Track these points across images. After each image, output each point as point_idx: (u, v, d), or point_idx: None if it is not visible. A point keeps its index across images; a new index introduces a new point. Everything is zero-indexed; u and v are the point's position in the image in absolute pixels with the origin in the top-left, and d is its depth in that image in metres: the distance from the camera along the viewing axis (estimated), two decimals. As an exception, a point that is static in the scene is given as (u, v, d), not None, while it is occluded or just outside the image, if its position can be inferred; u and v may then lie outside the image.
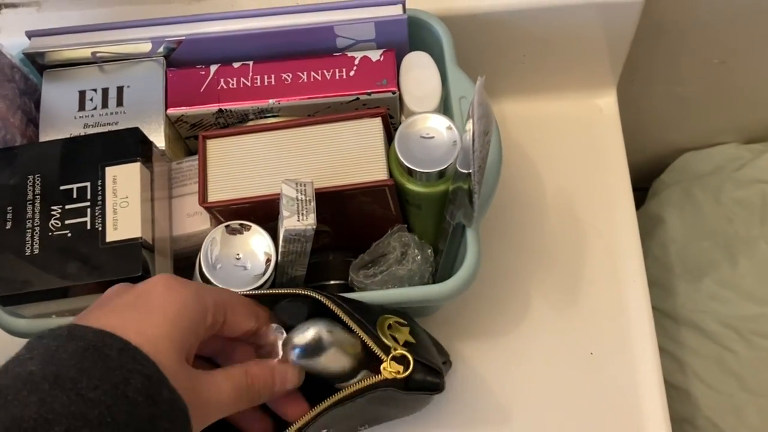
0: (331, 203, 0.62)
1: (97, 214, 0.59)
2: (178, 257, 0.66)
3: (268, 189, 0.62)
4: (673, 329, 1.03)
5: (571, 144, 0.84)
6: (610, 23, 0.78)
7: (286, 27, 0.67)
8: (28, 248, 0.59)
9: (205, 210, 0.64)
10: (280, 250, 0.61)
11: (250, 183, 0.63)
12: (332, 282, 0.69)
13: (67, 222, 0.59)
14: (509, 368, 0.75)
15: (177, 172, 0.67)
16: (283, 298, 0.58)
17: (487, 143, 0.55)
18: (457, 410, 0.73)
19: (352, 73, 0.66)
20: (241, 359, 0.55)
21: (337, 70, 0.66)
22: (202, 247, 0.62)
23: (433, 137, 0.61)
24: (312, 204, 0.59)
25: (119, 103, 0.67)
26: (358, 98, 0.66)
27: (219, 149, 0.64)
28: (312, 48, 0.67)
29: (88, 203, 0.60)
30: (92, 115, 0.67)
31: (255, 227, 0.63)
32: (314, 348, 0.55)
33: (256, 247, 0.62)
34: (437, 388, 0.59)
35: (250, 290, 0.59)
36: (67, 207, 0.60)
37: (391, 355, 0.56)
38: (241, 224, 0.63)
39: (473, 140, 0.53)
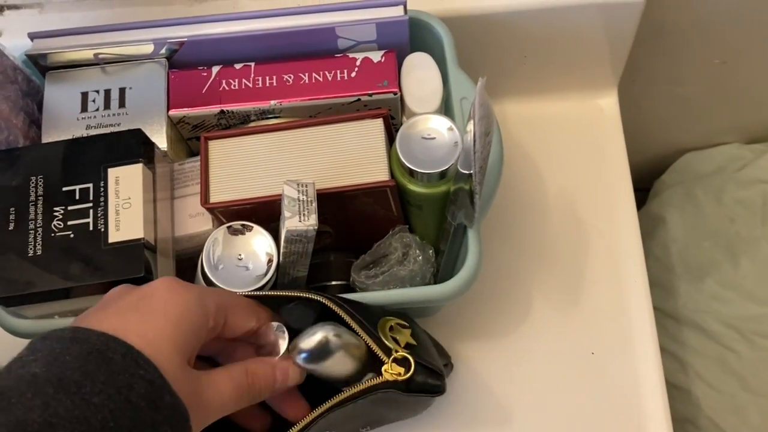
0: (333, 204, 0.62)
1: (99, 215, 0.60)
2: (180, 258, 0.66)
3: (269, 190, 0.62)
4: (674, 329, 1.03)
5: (573, 144, 0.84)
6: (611, 23, 0.78)
7: (288, 28, 0.67)
8: (30, 249, 0.59)
9: (207, 211, 0.64)
10: (281, 250, 0.61)
11: (251, 184, 0.63)
12: (334, 283, 0.69)
13: (69, 223, 0.60)
14: (510, 368, 0.75)
15: (179, 173, 0.67)
16: (286, 300, 0.58)
17: (488, 144, 0.55)
18: (458, 410, 0.73)
19: (353, 74, 0.66)
20: (242, 358, 0.55)
21: (338, 72, 0.67)
22: (204, 247, 0.62)
23: (434, 138, 0.61)
24: (314, 205, 0.59)
25: (121, 104, 0.67)
26: (359, 99, 0.66)
27: (221, 150, 0.64)
28: (313, 49, 0.67)
29: (90, 204, 0.60)
30: (94, 117, 0.67)
31: (257, 228, 0.63)
32: (321, 352, 0.55)
33: (258, 247, 0.62)
34: (438, 390, 0.59)
35: (252, 291, 0.59)
36: (69, 208, 0.60)
37: (392, 357, 0.56)
38: (243, 225, 0.63)
39: (474, 141, 0.53)
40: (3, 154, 0.63)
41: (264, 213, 0.62)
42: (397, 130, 0.62)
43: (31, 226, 0.60)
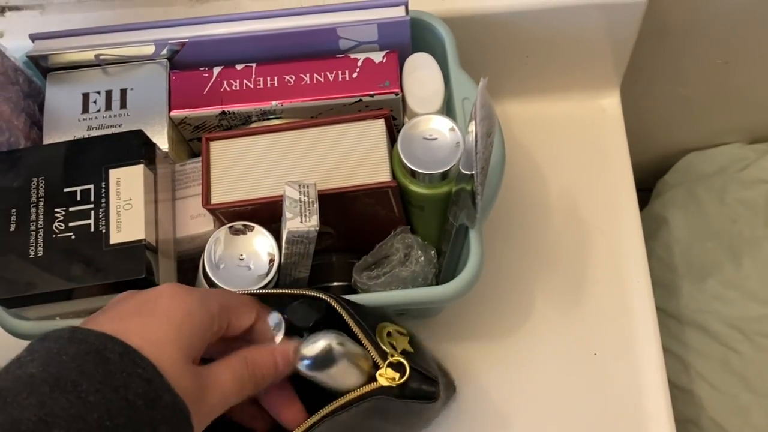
0: (334, 205, 0.62)
1: (100, 216, 0.60)
2: (181, 259, 0.66)
3: (271, 191, 0.62)
4: (677, 330, 1.03)
5: (575, 145, 0.84)
6: (614, 24, 0.78)
7: (289, 29, 0.67)
8: (32, 250, 0.59)
9: (208, 212, 0.64)
10: (283, 251, 0.61)
11: (253, 185, 0.63)
12: (335, 284, 0.69)
13: (70, 224, 0.60)
14: (512, 369, 0.75)
15: (180, 174, 0.67)
16: (290, 298, 0.58)
17: (489, 144, 0.55)
18: (460, 411, 0.73)
19: (354, 74, 0.66)
20: None
21: (339, 72, 0.66)
22: (206, 247, 0.62)
23: (436, 139, 0.61)
24: (315, 206, 0.59)
25: (123, 105, 0.67)
26: (360, 100, 0.66)
27: (222, 151, 0.64)
28: (315, 50, 0.67)
29: (91, 205, 0.60)
30: (96, 118, 0.67)
31: (258, 228, 0.63)
32: (324, 360, 0.54)
33: (260, 247, 0.62)
34: (432, 396, 0.58)
35: (255, 290, 0.59)
36: (70, 209, 0.60)
37: (387, 361, 0.56)
38: (244, 225, 0.63)
39: (476, 141, 0.53)
40: (4, 155, 0.63)
41: (265, 214, 0.62)
42: (398, 131, 0.62)
43: (33, 227, 0.60)
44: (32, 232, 0.59)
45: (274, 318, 0.56)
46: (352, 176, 0.62)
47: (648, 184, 1.17)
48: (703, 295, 1.03)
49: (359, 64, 0.66)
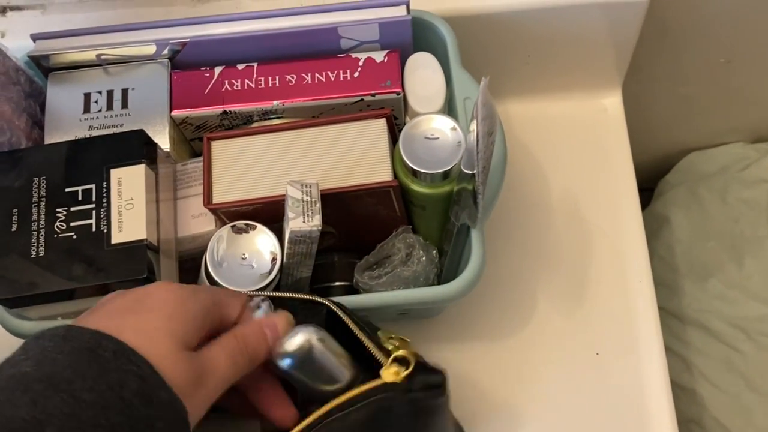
0: (336, 204, 0.62)
1: (102, 216, 0.60)
2: (183, 258, 0.66)
3: (272, 190, 0.62)
4: (679, 329, 1.03)
5: (576, 144, 0.84)
6: (615, 23, 0.78)
7: (290, 28, 0.67)
8: (33, 250, 0.59)
9: (209, 212, 0.64)
10: (285, 251, 0.61)
11: (254, 184, 0.63)
12: (337, 283, 0.69)
13: (72, 224, 0.60)
14: (514, 369, 0.75)
15: (182, 173, 0.67)
16: (291, 302, 0.58)
17: (491, 144, 0.55)
18: (462, 411, 0.73)
19: (356, 74, 0.66)
20: None
21: (341, 72, 0.66)
22: (208, 246, 0.62)
23: (437, 138, 0.61)
24: (317, 205, 0.59)
25: (124, 105, 0.67)
26: (362, 99, 0.66)
27: (224, 151, 0.64)
28: (316, 49, 0.67)
29: (93, 205, 0.60)
30: (97, 118, 0.67)
31: (261, 227, 0.63)
32: (304, 357, 0.53)
33: (262, 246, 0.62)
34: (440, 385, 0.56)
35: (256, 290, 0.59)
36: (72, 209, 0.60)
37: (392, 356, 0.54)
38: (246, 224, 0.63)
39: (477, 141, 0.53)
40: (5, 155, 0.63)
41: (267, 213, 0.62)
42: (400, 130, 0.62)
43: (34, 227, 0.60)
44: (34, 232, 0.59)
45: (256, 300, 0.56)
46: (354, 176, 0.62)
47: (650, 183, 1.17)
48: (705, 295, 1.02)
49: (360, 63, 0.66)
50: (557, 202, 0.82)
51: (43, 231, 0.59)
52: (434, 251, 0.66)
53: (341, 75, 0.66)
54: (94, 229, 0.59)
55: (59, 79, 0.68)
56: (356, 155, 0.63)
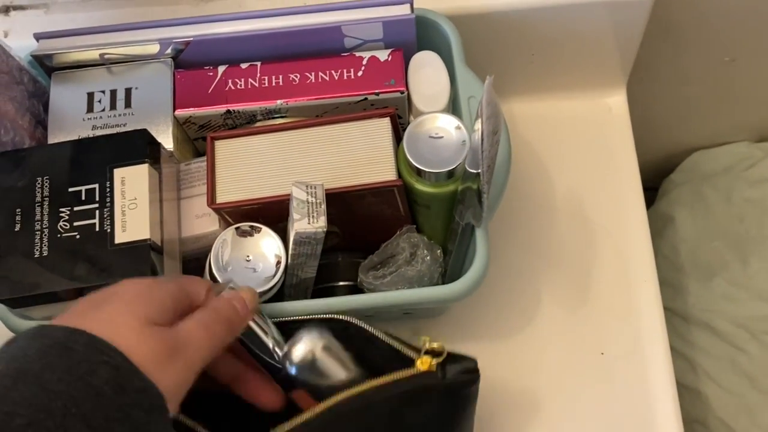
0: (340, 204, 0.62)
1: (105, 215, 0.59)
2: (186, 259, 0.66)
3: (276, 190, 0.62)
4: (684, 329, 1.03)
5: (581, 143, 0.84)
6: (619, 22, 0.78)
7: (294, 27, 0.66)
8: (36, 250, 0.59)
9: (213, 211, 0.64)
10: (290, 252, 0.61)
11: (258, 184, 0.63)
12: (341, 283, 0.69)
13: (75, 224, 0.59)
14: (519, 369, 0.75)
15: (185, 173, 0.67)
16: (316, 321, 0.59)
17: (496, 143, 0.55)
18: (467, 411, 0.73)
19: (360, 73, 0.66)
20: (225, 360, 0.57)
21: (345, 71, 0.66)
22: (213, 248, 0.62)
23: (441, 137, 0.61)
24: (322, 206, 0.59)
25: (127, 104, 0.67)
26: (366, 98, 0.66)
27: (227, 150, 0.64)
28: (320, 48, 0.67)
29: (96, 205, 0.60)
30: (101, 117, 0.67)
31: (265, 229, 0.62)
32: (308, 365, 0.55)
33: (267, 249, 0.62)
34: (474, 369, 0.58)
35: (261, 292, 0.59)
36: (75, 209, 0.60)
37: (424, 348, 0.56)
38: (251, 226, 0.63)
39: (482, 140, 0.52)
40: (9, 155, 0.63)
41: (271, 213, 0.62)
42: (404, 130, 0.62)
43: (37, 227, 0.59)
44: (37, 232, 0.59)
45: (221, 285, 0.56)
46: (358, 175, 0.62)
47: (654, 182, 1.17)
48: (710, 294, 1.02)
49: (364, 62, 0.66)
50: (562, 202, 0.81)
51: (46, 231, 0.59)
52: (438, 251, 0.66)
53: (345, 74, 0.66)
54: (97, 229, 0.59)
55: (62, 79, 0.68)
56: (360, 154, 0.63)
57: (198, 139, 0.70)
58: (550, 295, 0.78)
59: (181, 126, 0.68)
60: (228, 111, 0.66)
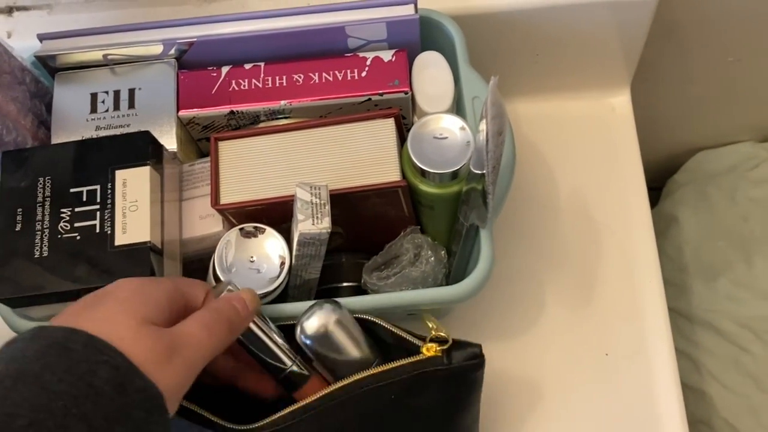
0: (344, 205, 0.62)
1: (106, 217, 0.59)
2: (190, 259, 0.66)
3: (280, 191, 0.62)
4: (688, 329, 1.03)
5: (585, 144, 0.84)
6: (624, 22, 0.77)
7: (298, 28, 0.66)
8: (37, 251, 0.59)
9: (217, 212, 0.64)
10: (294, 253, 0.61)
11: (262, 185, 0.63)
12: (345, 284, 0.68)
13: (76, 225, 0.59)
14: (523, 369, 0.75)
15: (189, 174, 0.67)
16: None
17: (500, 143, 0.54)
18: (472, 412, 0.73)
19: (363, 73, 0.66)
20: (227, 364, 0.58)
21: (348, 71, 0.66)
22: (217, 249, 0.62)
23: (446, 138, 0.61)
24: (327, 207, 0.59)
25: (131, 105, 0.67)
26: (370, 99, 0.65)
27: (231, 151, 0.64)
28: (323, 49, 0.67)
29: (97, 206, 0.60)
30: (104, 118, 0.67)
31: (269, 230, 0.62)
32: (321, 338, 0.56)
33: (271, 250, 0.62)
34: (479, 355, 0.59)
35: (264, 294, 0.59)
36: (76, 210, 0.60)
37: (430, 336, 0.57)
38: (255, 227, 0.62)
39: (487, 140, 0.52)
40: (12, 154, 0.63)
41: (275, 214, 0.62)
42: (408, 130, 0.62)
43: (38, 227, 0.59)
44: (38, 232, 0.59)
45: (220, 287, 0.56)
46: (362, 176, 0.62)
47: (658, 182, 1.17)
48: (715, 295, 1.02)
49: (368, 62, 0.66)
50: (566, 202, 0.81)
51: (47, 231, 0.59)
52: (443, 251, 0.66)
53: (349, 74, 0.66)
54: (98, 231, 0.59)
55: (66, 80, 0.68)
56: (364, 155, 0.62)
57: (202, 140, 0.70)
58: (555, 295, 0.77)
59: (185, 127, 0.68)
60: (232, 112, 0.66)
